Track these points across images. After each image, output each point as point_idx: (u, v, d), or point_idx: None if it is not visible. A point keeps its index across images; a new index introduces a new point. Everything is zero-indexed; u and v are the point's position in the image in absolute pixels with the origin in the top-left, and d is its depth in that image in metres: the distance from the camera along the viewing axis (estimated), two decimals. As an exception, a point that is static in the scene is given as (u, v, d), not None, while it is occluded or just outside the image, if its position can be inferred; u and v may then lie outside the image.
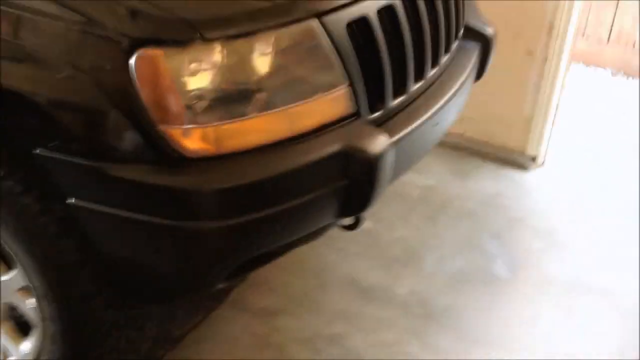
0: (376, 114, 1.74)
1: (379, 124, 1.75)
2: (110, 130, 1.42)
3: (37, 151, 1.46)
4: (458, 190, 3.17)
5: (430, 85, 2.02)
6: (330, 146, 1.57)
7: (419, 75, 1.93)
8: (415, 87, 1.90)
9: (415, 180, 3.20)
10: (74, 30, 1.38)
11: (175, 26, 1.39)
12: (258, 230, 1.53)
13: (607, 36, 4.55)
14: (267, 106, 1.51)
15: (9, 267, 1.70)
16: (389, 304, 2.48)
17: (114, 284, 1.63)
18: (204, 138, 1.44)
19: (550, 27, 3.14)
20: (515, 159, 3.38)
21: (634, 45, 4.47)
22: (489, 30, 2.40)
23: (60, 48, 1.40)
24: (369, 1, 1.70)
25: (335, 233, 2.76)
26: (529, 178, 3.29)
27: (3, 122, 1.48)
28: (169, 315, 2.27)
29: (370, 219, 2.89)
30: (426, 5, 1.93)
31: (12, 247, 1.62)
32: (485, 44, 2.38)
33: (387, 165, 1.65)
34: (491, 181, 3.25)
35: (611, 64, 4.52)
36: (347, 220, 1.90)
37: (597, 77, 4.39)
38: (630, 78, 4.40)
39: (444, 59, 2.09)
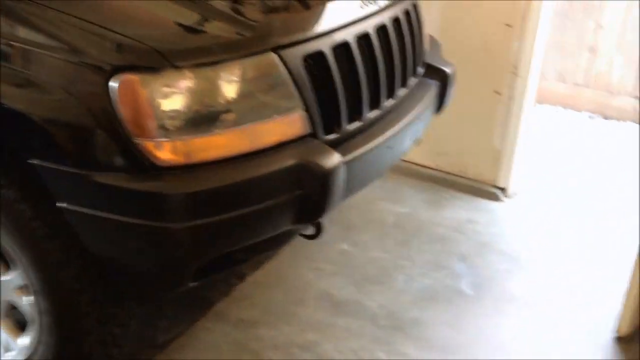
0: (332, 136, 2.00)
1: (336, 144, 2.00)
2: (95, 143, 1.68)
3: (33, 161, 1.73)
4: (431, 217, 3.40)
5: (387, 114, 2.28)
6: (286, 160, 1.82)
7: (375, 104, 2.19)
8: (371, 114, 2.16)
9: (391, 208, 3.44)
10: (64, 59, 1.65)
11: (149, 55, 1.66)
12: (221, 231, 1.77)
13: (584, 80, 4.81)
14: (230, 125, 1.77)
15: (9, 267, 1.94)
16: (359, 316, 2.69)
17: (100, 281, 1.87)
18: (174, 150, 1.70)
19: (514, 69, 3.41)
20: (487, 190, 3.61)
21: (610, 89, 4.73)
22: (448, 69, 2.67)
23: (53, 75, 1.67)
24: (324, 39, 1.97)
25: (313, 254, 3.01)
26: (499, 208, 3.52)
27: (4, 137, 1.74)
28: (154, 323, 2.51)
29: (347, 241, 3.14)
30: (381, 45, 2.21)
31: (11, 249, 1.87)
32: (444, 81, 2.65)
33: (338, 179, 1.90)
34: (463, 210, 3.49)
35: (588, 107, 4.78)
36: (309, 230, 2.12)
37: (574, 119, 4.65)
38: (608, 120, 4.65)
39: (401, 92, 2.35)
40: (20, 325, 2.05)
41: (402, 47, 2.35)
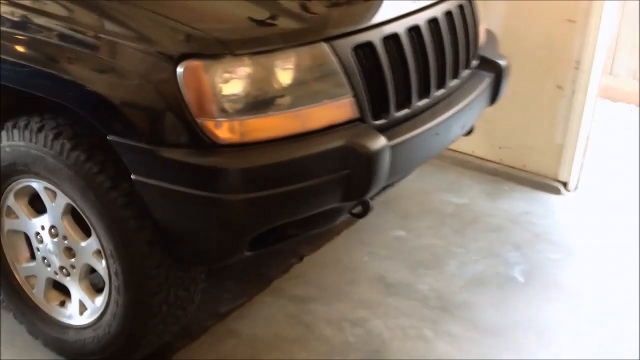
0: (380, 121, 2.15)
1: (384, 129, 2.15)
2: (163, 122, 1.88)
3: (110, 138, 1.95)
4: (489, 208, 3.49)
5: (437, 103, 2.41)
6: (333, 142, 1.98)
7: (425, 93, 2.33)
8: (420, 103, 2.30)
9: (450, 198, 3.56)
10: (140, 49, 1.86)
11: (212, 44, 1.85)
12: (273, 204, 1.94)
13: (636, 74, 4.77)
14: (283, 108, 1.94)
15: (88, 234, 2.18)
16: (409, 297, 2.83)
17: (165, 246, 2.08)
18: (232, 130, 1.89)
19: (577, 65, 3.46)
20: (548, 184, 3.67)
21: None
22: (502, 62, 2.77)
23: (131, 62, 1.88)
24: (374, 30, 2.13)
25: (369, 239, 3.16)
26: (558, 201, 3.58)
27: (88, 116, 1.98)
28: (218, 295, 2.72)
29: (403, 228, 3.28)
30: (432, 37, 2.34)
31: (89, 217, 2.10)
32: (497, 74, 2.75)
33: (382, 161, 2.04)
34: (522, 202, 3.56)
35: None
36: (357, 209, 2.28)
37: (628, 113, 4.63)
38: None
39: (452, 82, 2.47)
40: (95, 287, 2.29)
41: (454, 40, 2.47)
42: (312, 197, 2.01)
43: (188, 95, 1.84)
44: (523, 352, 2.58)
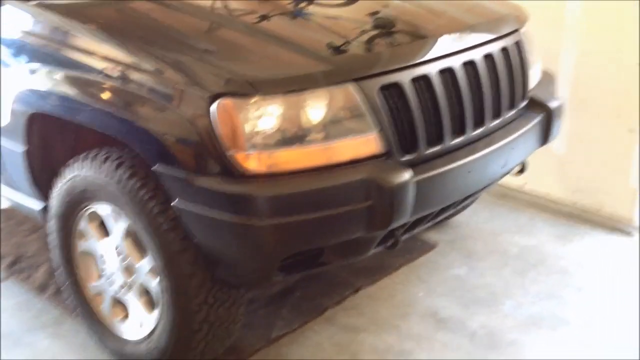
0: (409, 157, 2.27)
1: (414, 164, 2.27)
2: (198, 154, 2.10)
3: (155, 168, 2.20)
4: (556, 250, 3.47)
5: (475, 141, 2.49)
6: (357, 174, 2.12)
7: (459, 131, 2.43)
8: (454, 140, 2.40)
9: (517, 240, 3.57)
10: (179, 89, 2.11)
11: (243, 85, 2.06)
12: (298, 230, 2.10)
13: None
14: (308, 143, 2.11)
15: (143, 255, 2.43)
16: (458, 333, 2.87)
17: (206, 268, 2.28)
18: (259, 161, 2.07)
19: (650, 107, 3.41)
20: (621, 229, 3.60)
21: None
22: (553, 104, 2.81)
23: (171, 101, 2.13)
24: (403, 72, 2.27)
25: (427, 276, 3.24)
26: (631, 245, 3.49)
27: (137, 148, 2.24)
28: (272, 321, 2.89)
29: (464, 267, 3.33)
30: (469, 79, 2.44)
31: (144, 239, 2.35)
32: (548, 115, 2.79)
33: (405, 195, 2.15)
34: (592, 245, 3.52)
35: None
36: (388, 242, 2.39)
37: None
38: None
39: (492, 122, 2.55)
40: (151, 304, 2.53)
41: (495, 82, 2.56)
42: (335, 225, 2.15)
43: (220, 130, 2.06)
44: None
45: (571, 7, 3.58)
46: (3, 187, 2.98)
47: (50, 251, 2.75)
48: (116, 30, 2.36)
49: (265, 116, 2.08)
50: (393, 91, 2.24)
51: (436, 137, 2.35)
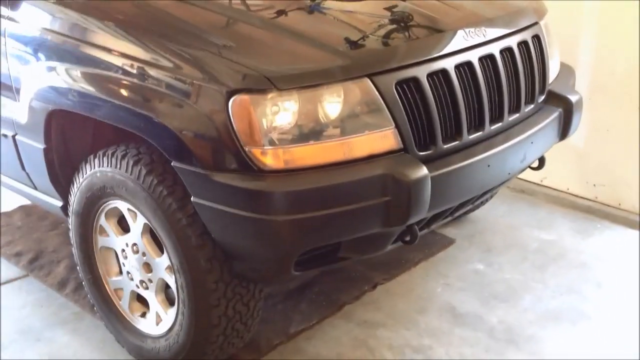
0: (426, 152, 2.26)
1: (432, 159, 2.26)
2: (216, 150, 2.11)
3: (174, 164, 2.21)
4: (576, 245, 3.45)
5: (494, 136, 2.48)
6: (373, 170, 2.11)
7: (479, 126, 2.41)
8: (473, 135, 2.39)
9: (537, 234, 3.54)
10: (197, 85, 2.11)
11: (259, 80, 2.05)
12: (315, 226, 2.09)
13: None
14: (325, 138, 2.10)
15: (162, 251, 2.44)
16: (476, 328, 2.86)
17: (224, 263, 2.29)
18: (276, 157, 2.07)
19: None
20: (643, 223, 3.57)
21: None
22: (572, 98, 2.79)
23: (190, 96, 2.13)
24: (420, 66, 2.25)
25: (446, 271, 3.23)
26: (653, 240, 3.46)
27: (156, 144, 2.25)
28: (290, 316, 2.90)
29: (483, 262, 3.31)
30: (487, 73, 2.43)
31: (161, 235, 2.36)
32: (568, 109, 2.76)
33: (422, 190, 2.14)
34: (612, 240, 3.49)
35: None
36: (406, 237, 2.38)
37: None
38: None
39: (511, 116, 2.53)
40: (170, 300, 2.54)
41: (514, 76, 2.54)
42: (352, 221, 2.14)
43: (237, 125, 2.06)
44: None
45: (590, -1, 3.55)
46: (21, 185, 3.01)
47: (71, 247, 2.77)
48: (134, 26, 2.37)
49: (282, 111, 2.08)
50: (411, 86, 2.23)
51: (454, 131, 2.34)
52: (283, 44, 2.24)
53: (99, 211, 2.59)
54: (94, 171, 2.49)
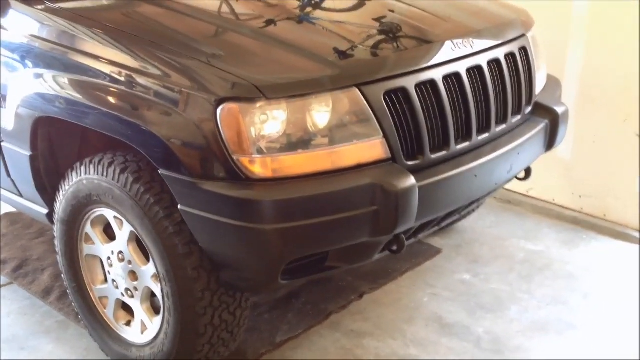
0: (414, 162, 2.26)
1: (419, 169, 2.26)
2: (204, 158, 2.10)
3: (161, 172, 2.20)
4: (563, 256, 3.46)
5: (482, 146, 2.49)
6: (361, 179, 2.11)
7: (466, 136, 2.42)
8: (460, 145, 2.40)
9: (523, 245, 3.56)
10: (185, 93, 2.11)
11: (248, 89, 2.06)
12: (302, 235, 2.09)
13: None
14: (312, 147, 2.11)
15: (148, 260, 2.42)
16: (463, 338, 2.86)
17: (211, 272, 2.28)
18: (265, 166, 2.07)
19: (657, 112, 3.40)
20: (628, 234, 3.58)
21: None
22: (559, 109, 2.81)
23: (177, 105, 2.13)
24: (408, 77, 2.26)
25: (433, 281, 3.23)
26: (638, 251, 3.47)
27: (144, 152, 2.24)
28: (277, 326, 2.89)
29: (470, 272, 3.32)
30: (474, 84, 2.44)
31: (148, 243, 2.34)
32: (554, 120, 2.78)
33: (410, 200, 2.14)
34: (599, 251, 3.50)
35: None
36: (393, 246, 2.38)
37: None
38: None
39: (498, 127, 2.55)
40: (155, 308, 2.53)
41: (501, 87, 2.56)
42: (340, 230, 2.14)
43: (226, 134, 2.06)
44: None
45: (578, 9, 3.57)
46: (6, 192, 2.99)
47: (56, 254, 2.75)
48: (123, 34, 2.36)
49: (271, 120, 2.08)
50: (399, 96, 2.24)
51: (442, 142, 2.35)
52: (272, 54, 2.24)
53: (84, 219, 2.57)
54: (81, 179, 2.48)
